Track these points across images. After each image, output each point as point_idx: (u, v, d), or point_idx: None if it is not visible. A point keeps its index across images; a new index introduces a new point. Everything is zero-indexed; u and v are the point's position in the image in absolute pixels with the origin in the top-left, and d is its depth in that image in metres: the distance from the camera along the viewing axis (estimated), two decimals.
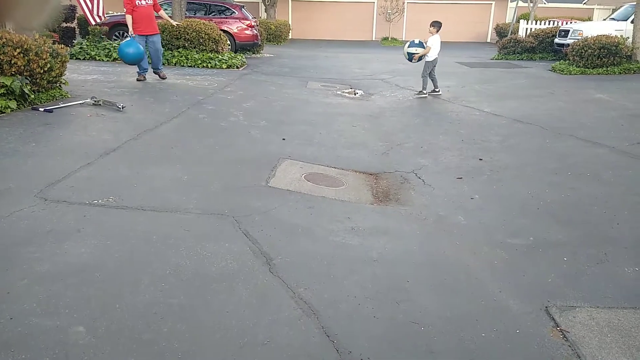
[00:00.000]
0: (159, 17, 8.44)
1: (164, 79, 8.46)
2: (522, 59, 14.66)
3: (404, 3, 26.64)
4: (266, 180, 4.14)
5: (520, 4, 19.34)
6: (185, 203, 3.50)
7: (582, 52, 11.10)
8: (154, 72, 8.49)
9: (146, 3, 7.94)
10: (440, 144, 5.60)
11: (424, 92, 8.27)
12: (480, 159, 5.00)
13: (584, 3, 30.52)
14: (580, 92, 9.00)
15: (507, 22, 24.83)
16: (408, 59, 8.36)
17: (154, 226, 3.12)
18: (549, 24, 16.88)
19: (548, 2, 27.04)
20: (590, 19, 24.54)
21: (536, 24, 17.60)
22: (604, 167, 4.81)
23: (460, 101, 8.07)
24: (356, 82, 10.27)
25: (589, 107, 7.61)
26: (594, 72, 10.97)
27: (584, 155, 5.26)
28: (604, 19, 17.57)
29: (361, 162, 4.96)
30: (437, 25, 8.11)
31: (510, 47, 14.94)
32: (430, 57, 8.09)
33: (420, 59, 8.20)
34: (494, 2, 26.77)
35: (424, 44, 8.12)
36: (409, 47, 8.26)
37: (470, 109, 7.44)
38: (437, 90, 8.33)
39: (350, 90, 9.18)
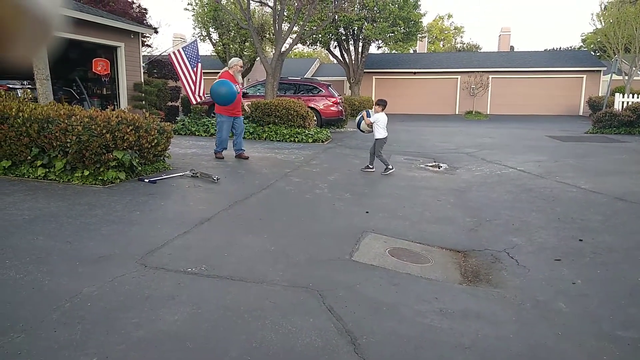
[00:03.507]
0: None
1: (246, 159, 8.38)
2: (619, 133, 13.86)
3: (488, 78, 26.66)
4: (350, 254, 4.12)
5: (615, 77, 18.57)
6: (272, 274, 3.56)
7: None
8: (236, 155, 8.40)
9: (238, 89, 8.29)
10: (534, 221, 5.30)
11: (370, 167, 8.11)
12: (580, 240, 4.64)
13: None
14: None
15: (600, 95, 23.86)
16: (358, 126, 8.25)
17: (242, 296, 3.19)
18: None
19: None
20: None
21: (633, 96, 16.74)
22: None
23: (554, 177, 7.68)
24: (439, 155, 10.20)
25: None
26: None
27: None
28: None
29: (447, 238, 4.80)
30: (382, 103, 8.03)
31: (606, 120, 14.24)
32: (379, 135, 7.95)
33: (371, 130, 8.07)
34: (585, 75, 25.98)
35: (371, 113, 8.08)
36: (361, 117, 8.18)
37: (565, 185, 7.04)
38: (389, 167, 7.99)
39: (433, 163, 9.13)
